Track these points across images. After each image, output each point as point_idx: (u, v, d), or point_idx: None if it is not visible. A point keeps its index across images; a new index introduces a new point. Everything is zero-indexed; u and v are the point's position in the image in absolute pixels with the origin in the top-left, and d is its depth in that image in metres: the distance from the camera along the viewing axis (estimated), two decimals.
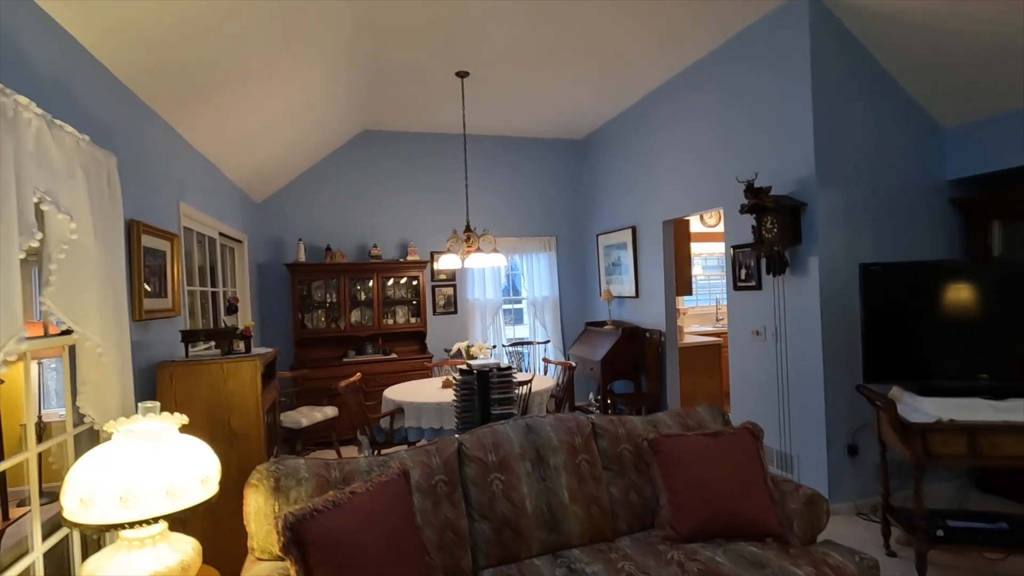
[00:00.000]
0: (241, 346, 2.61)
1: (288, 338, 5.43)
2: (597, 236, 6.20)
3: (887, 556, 2.82)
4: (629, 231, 5.48)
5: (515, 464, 2.16)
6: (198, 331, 2.61)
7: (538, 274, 6.41)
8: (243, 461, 2.41)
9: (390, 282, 5.75)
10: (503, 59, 4.26)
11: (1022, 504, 3.27)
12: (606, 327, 5.62)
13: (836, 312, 3.32)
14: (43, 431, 2.46)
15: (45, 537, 1.77)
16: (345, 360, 5.49)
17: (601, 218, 6.15)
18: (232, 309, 3.42)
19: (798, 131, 3.46)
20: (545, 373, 5.77)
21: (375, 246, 5.72)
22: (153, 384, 2.45)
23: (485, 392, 2.65)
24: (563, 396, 4.40)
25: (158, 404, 1.62)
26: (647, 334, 5.23)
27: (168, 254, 2.79)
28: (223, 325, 3.75)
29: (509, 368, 2.74)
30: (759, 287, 3.83)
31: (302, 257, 5.42)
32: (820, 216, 3.37)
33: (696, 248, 7.23)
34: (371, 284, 5.62)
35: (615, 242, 5.78)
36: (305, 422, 4.49)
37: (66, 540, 1.95)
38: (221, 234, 4.26)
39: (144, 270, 2.46)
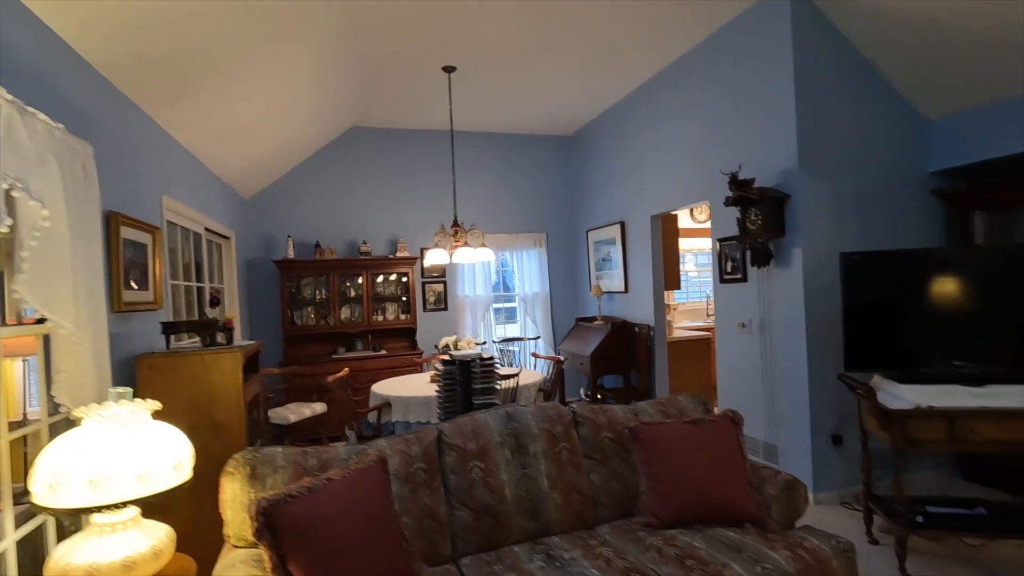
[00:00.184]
0: (223, 338, 2.60)
1: (277, 335, 5.42)
2: (587, 232, 6.21)
3: (869, 544, 2.83)
4: (618, 226, 5.49)
5: (495, 452, 2.16)
6: (179, 323, 2.60)
7: (529, 271, 6.41)
8: (225, 452, 2.39)
9: (380, 279, 5.75)
10: (491, 54, 4.26)
11: (1004, 492, 3.29)
12: (596, 322, 5.63)
13: (820, 303, 3.34)
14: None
15: (21, 526, 1.76)
16: (335, 357, 5.49)
17: (591, 214, 6.16)
18: (215, 302, 3.41)
19: (781, 123, 3.47)
20: (535, 368, 5.77)
21: (365, 243, 5.71)
22: (134, 376, 2.44)
23: (467, 382, 2.65)
24: (552, 390, 4.40)
25: (130, 390, 1.61)
26: (636, 328, 5.24)
27: (150, 247, 2.78)
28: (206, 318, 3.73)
29: (491, 359, 2.75)
30: (745, 280, 3.85)
31: (291, 254, 5.41)
32: (803, 207, 3.38)
33: (688, 244, 7.26)
34: (361, 281, 5.61)
35: (604, 237, 5.79)
36: (293, 418, 4.48)
37: (41, 529, 1.94)
38: (208, 230, 4.25)
39: (124, 262, 2.45)
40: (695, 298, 7.67)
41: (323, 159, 5.77)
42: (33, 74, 1.95)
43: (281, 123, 4.58)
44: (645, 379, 5.16)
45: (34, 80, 1.95)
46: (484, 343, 6.06)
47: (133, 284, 2.58)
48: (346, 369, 4.31)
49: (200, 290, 4.07)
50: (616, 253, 5.57)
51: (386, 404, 3.82)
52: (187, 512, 2.26)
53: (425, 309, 6.02)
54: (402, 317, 5.76)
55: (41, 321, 1.82)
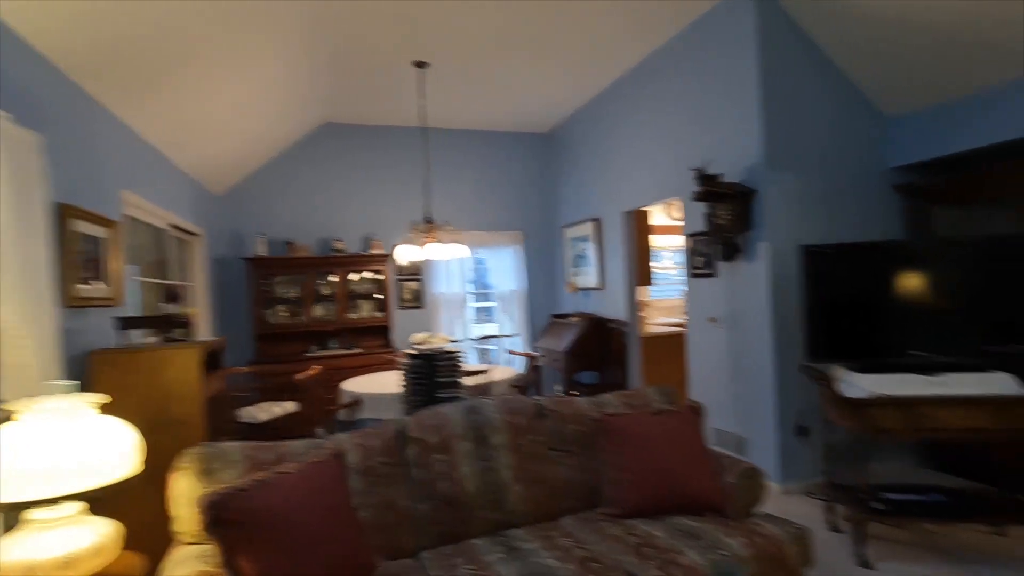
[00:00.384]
0: (182, 334, 2.55)
1: (249, 333, 5.34)
2: (563, 229, 6.22)
3: (831, 532, 2.88)
4: (593, 223, 5.51)
5: (457, 444, 2.15)
6: (134, 318, 2.54)
7: (505, 268, 6.41)
8: (183, 449, 2.36)
9: (354, 276, 5.69)
10: (463, 50, 4.25)
11: (964, 479, 3.37)
12: (571, 319, 5.64)
13: (785, 295, 3.39)
14: None
15: None
16: (308, 355, 5.43)
17: (567, 211, 6.18)
18: (175, 297, 3.35)
19: (747, 119, 3.52)
20: (514, 366, 5.76)
21: (338, 240, 5.66)
22: (86, 372, 2.38)
23: (432, 376, 2.64)
24: (525, 386, 4.40)
25: (76, 384, 1.57)
26: (611, 325, 5.27)
27: (106, 241, 2.72)
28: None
29: (455, 352, 2.74)
30: (714, 275, 3.89)
31: (262, 251, 5.34)
32: (769, 202, 3.43)
33: (665, 241, 7.31)
34: (334, 278, 5.56)
35: (580, 235, 5.81)
36: (264, 417, 4.41)
37: None
38: (174, 226, 4.17)
39: (77, 256, 2.39)
40: (672, 295, 7.72)
41: (295, 155, 5.70)
42: None
43: (249, 118, 4.51)
44: (620, 374, 5.19)
45: None
46: (459, 341, 6.04)
47: (88, 278, 2.52)
48: (317, 367, 4.27)
49: (168, 287, 3.99)
50: (591, 250, 5.59)
51: (356, 401, 3.79)
52: (143, 509, 2.21)
53: (401, 307, 5.98)
54: (377, 315, 5.72)
55: None
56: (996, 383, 2.46)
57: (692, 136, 4.04)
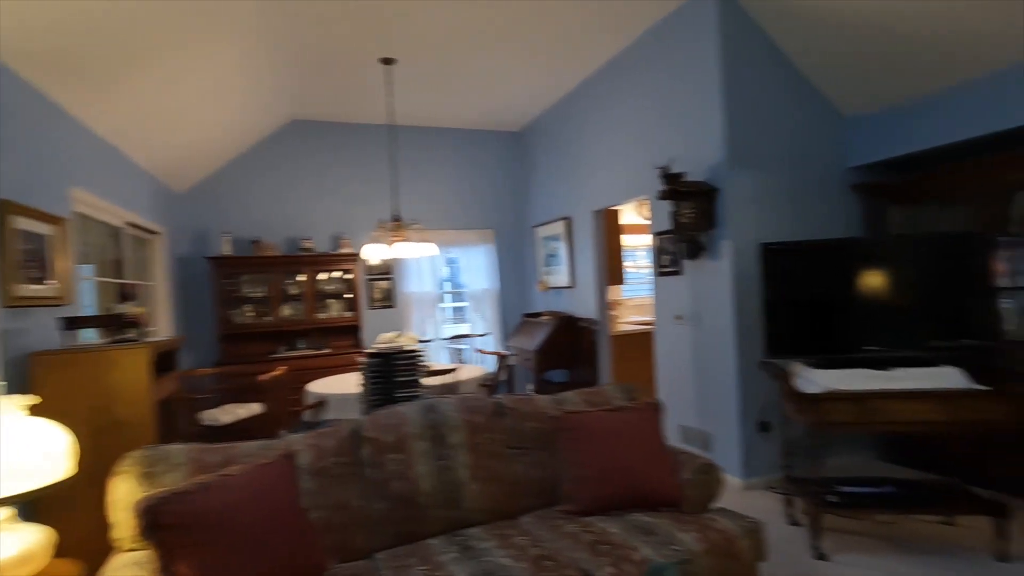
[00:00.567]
0: (132, 334, 2.48)
1: (214, 334, 5.23)
2: (534, 228, 6.23)
3: (790, 525, 2.93)
4: (564, 222, 5.52)
5: (412, 443, 2.13)
6: (80, 318, 2.46)
7: (477, 267, 6.38)
8: None
9: (323, 276, 5.61)
10: (431, 47, 4.21)
11: (919, 471, 3.45)
12: (543, 318, 5.65)
13: (747, 293, 3.43)
14: None
15: None
16: (275, 356, 5.33)
17: (538, 210, 6.18)
18: (127, 297, 3.25)
19: (711, 118, 3.55)
20: (486, 365, 5.74)
21: (307, 239, 5.57)
22: (27, 374, 2.29)
23: (391, 375, 2.61)
24: (495, 385, 4.38)
25: (2, 384, 1.50)
26: (581, 323, 5.29)
27: (53, 239, 2.62)
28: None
29: (415, 351, 2.71)
30: (680, 273, 3.92)
31: (227, 250, 5.22)
32: (732, 201, 3.47)
33: (637, 240, 7.36)
34: (303, 278, 5.47)
35: (551, 233, 5.82)
36: (227, 419, 4.32)
37: None
38: (132, 224, 4.05)
39: (18, 253, 2.30)
40: (644, 293, 7.79)
41: (261, 153, 5.60)
42: None
43: (210, 114, 4.41)
44: (590, 373, 5.21)
45: None
46: (430, 340, 5.99)
47: (33, 278, 2.43)
48: (281, 368, 4.19)
49: (122, 287, 3.88)
50: (562, 249, 5.60)
51: (322, 403, 3.73)
52: (88, 515, 2.14)
53: (371, 306, 5.91)
54: (346, 315, 5.64)
55: None
56: (945, 377, 2.53)
57: (658, 135, 4.07)
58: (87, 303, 3.36)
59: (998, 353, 3.05)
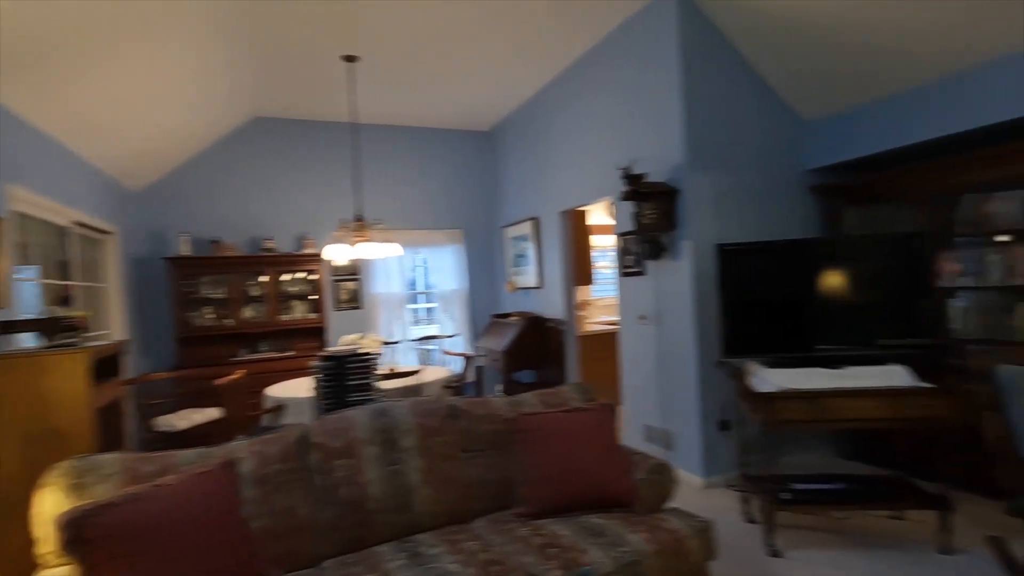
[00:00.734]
0: (71, 338, 2.37)
1: (171, 337, 5.08)
2: (503, 228, 6.20)
3: (747, 523, 2.96)
4: (531, 223, 5.51)
5: (362, 448, 2.08)
6: (15, 322, 2.34)
7: (446, 268, 6.33)
8: None
9: (286, 277, 5.49)
10: (396, 44, 4.15)
11: (874, 467, 3.54)
12: (511, 318, 5.63)
13: (707, 293, 3.46)
14: None
15: None
16: (236, 359, 5.20)
17: (507, 210, 6.16)
18: (66, 300, 3.12)
19: (671, 120, 3.58)
20: (455, 367, 5.70)
21: (269, 239, 5.45)
22: None
23: (343, 379, 2.56)
24: (460, 387, 4.34)
25: None
26: (549, 324, 5.29)
27: None
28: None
29: (368, 354, 2.66)
30: (643, 273, 3.95)
31: (185, 251, 5.07)
32: (692, 202, 3.50)
33: (606, 240, 7.39)
34: (265, 279, 5.34)
35: (519, 234, 5.80)
36: (183, 425, 4.19)
37: None
38: (80, 223, 3.90)
39: None
40: (614, 293, 7.83)
41: (222, 150, 5.45)
42: None
43: (166, 111, 4.27)
44: (558, 373, 5.21)
45: None
46: (398, 341, 5.93)
47: None
48: (240, 372, 4.08)
49: (62, 288, 3.73)
50: (530, 249, 5.59)
51: (280, 407, 3.64)
52: (17, 530, 2.04)
53: (337, 308, 5.81)
54: (311, 316, 5.54)
55: None
56: (892, 375, 2.59)
57: (622, 136, 4.09)
58: (29, 306, 3.22)
59: (945, 351, 3.14)
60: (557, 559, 1.80)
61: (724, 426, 3.51)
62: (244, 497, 1.85)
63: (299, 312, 5.53)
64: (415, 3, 3.57)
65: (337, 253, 4.13)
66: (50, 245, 3.60)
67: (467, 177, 6.48)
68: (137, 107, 3.94)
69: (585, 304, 6.72)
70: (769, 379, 2.66)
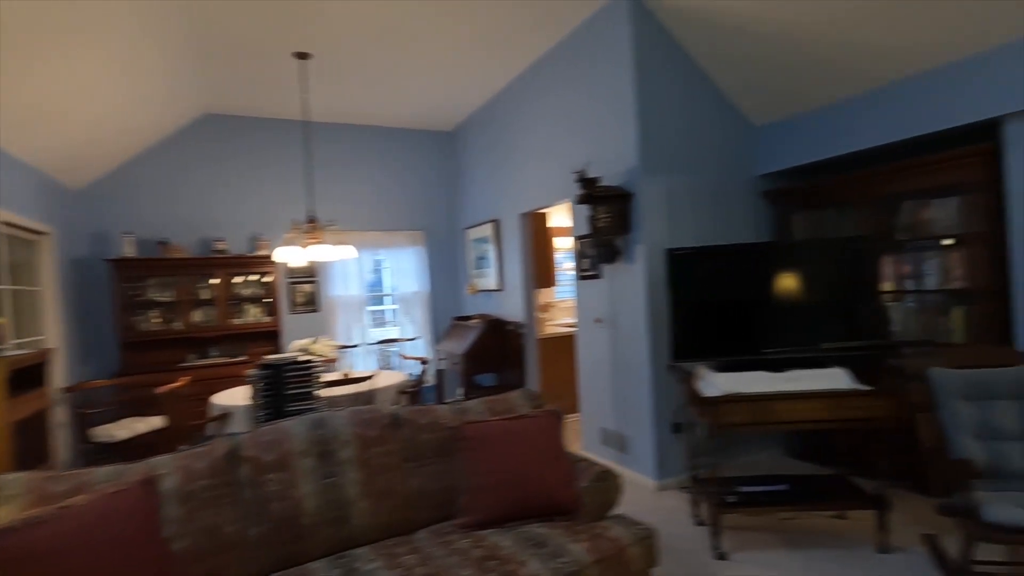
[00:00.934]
0: None
1: (115, 342, 4.86)
2: (465, 230, 6.15)
3: (696, 525, 2.98)
4: (492, 224, 5.47)
5: (296, 461, 2.01)
6: None
7: (406, 270, 6.24)
8: None
9: (238, 279, 5.32)
10: (350, 42, 4.05)
11: (825, 467, 3.62)
12: (472, 321, 5.58)
13: (660, 297, 3.48)
14: None
15: None
16: (185, 364, 5.01)
17: (469, 212, 6.11)
18: None
19: (625, 124, 3.59)
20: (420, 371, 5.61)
21: (220, 240, 5.26)
22: None
23: (282, 388, 2.47)
24: (417, 391, 4.27)
25: None
26: (509, 326, 5.25)
27: None
28: None
29: (309, 362, 2.58)
30: (599, 276, 3.95)
31: (129, 252, 4.86)
32: (646, 206, 3.52)
33: (570, 243, 7.40)
34: (216, 281, 5.16)
35: (480, 236, 5.76)
36: (123, 435, 4.02)
37: None
38: (8, 223, 3.68)
39: None
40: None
41: (170, 148, 5.25)
42: None
43: (107, 105, 4.08)
44: (518, 376, 5.18)
45: None
46: (356, 345, 5.81)
47: None
48: (184, 379, 3.93)
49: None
50: (491, 251, 5.55)
51: (225, 415, 3.51)
52: None
53: (293, 311, 5.66)
54: (265, 320, 5.38)
55: None
56: (833, 378, 2.64)
57: (580, 139, 4.08)
58: None
59: (885, 353, 3.22)
60: (496, 572, 1.77)
61: (676, 429, 3.54)
62: (166, 516, 1.76)
63: (252, 315, 5.36)
64: (368, 1, 3.48)
65: (288, 255, 4.01)
66: None
67: (430, 178, 6.40)
68: (75, 102, 3.74)
69: (548, 306, 6.72)
70: (715, 383, 2.69)
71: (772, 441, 3.99)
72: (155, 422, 4.19)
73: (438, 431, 2.30)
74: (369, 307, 6.17)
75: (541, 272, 5.38)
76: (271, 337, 5.42)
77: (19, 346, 3.52)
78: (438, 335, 6.28)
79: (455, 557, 1.88)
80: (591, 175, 3.63)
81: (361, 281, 5.99)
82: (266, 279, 5.40)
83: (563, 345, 5.42)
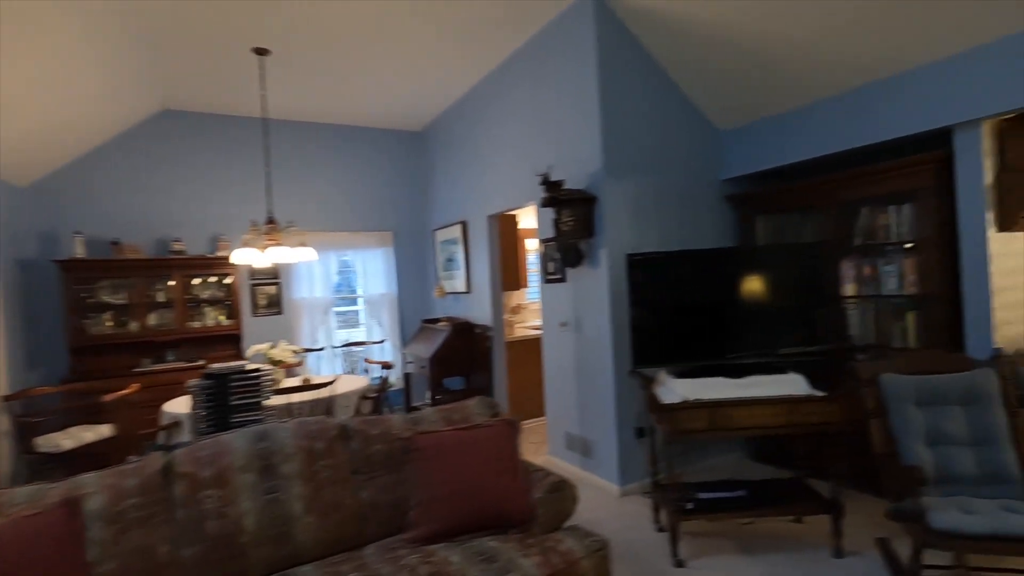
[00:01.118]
0: None
1: (64, 346, 4.66)
2: (434, 231, 6.07)
3: (657, 532, 2.97)
4: (460, 226, 5.41)
5: (235, 477, 1.92)
6: None
7: (374, 271, 6.13)
8: None
9: (197, 281, 5.15)
10: (311, 38, 3.93)
11: (785, 469, 3.64)
12: (440, 324, 5.50)
13: (623, 301, 3.46)
14: None
15: None
16: (139, 369, 4.83)
17: (438, 213, 6.03)
18: None
19: (589, 127, 3.56)
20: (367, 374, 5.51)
21: (178, 240, 5.09)
22: None
23: (226, 398, 2.37)
24: (380, 397, 4.19)
25: None
26: (477, 330, 5.20)
27: None
28: None
29: (256, 371, 2.48)
30: (564, 280, 3.92)
31: (80, 252, 4.66)
32: (609, 210, 3.49)
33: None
34: (173, 283, 4.99)
35: (449, 237, 5.69)
36: (69, 445, 3.84)
37: None
38: None
39: None
40: None
41: (125, 144, 5.05)
42: None
43: (54, 99, 3.89)
44: (486, 379, 5.13)
45: None
46: (321, 348, 5.68)
47: None
48: (135, 385, 3.78)
49: None
50: (459, 253, 5.49)
51: (176, 423, 3.38)
52: None
53: (255, 313, 5.51)
54: (225, 322, 5.22)
55: None
56: (790, 384, 2.65)
57: (546, 141, 4.04)
58: None
59: (843, 358, 3.26)
60: None
61: (640, 433, 3.53)
62: (91, 538, 1.67)
63: (212, 318, 5.19)
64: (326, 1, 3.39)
65: (246, 258, 3.89)
66: None
67: (399, 178, 6.30)
68: (20, 95, 3.56)
69: (520, 308, 6.68)
70: (675, 389, 2.67)
71: (734, 444, 4.01)
72: (104, 431, 4.02)
73: (390, 442, 2.23)
74: (338, 308, 6.04)
75: (510, 274, 5.34)
76: (232, 340, 5.27)
77: None
78: (406, 338, 6.19)
79: (402, 574, 1.82)
80: (555, 178, 3.60)
81: (327, 283, 5.86)
82: (227, 281, 5.24)
83: (533, 348, 5.38)
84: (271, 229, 3.97)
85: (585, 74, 3.55)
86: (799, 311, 3.04)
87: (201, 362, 5.03)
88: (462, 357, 5.21)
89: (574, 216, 3.54)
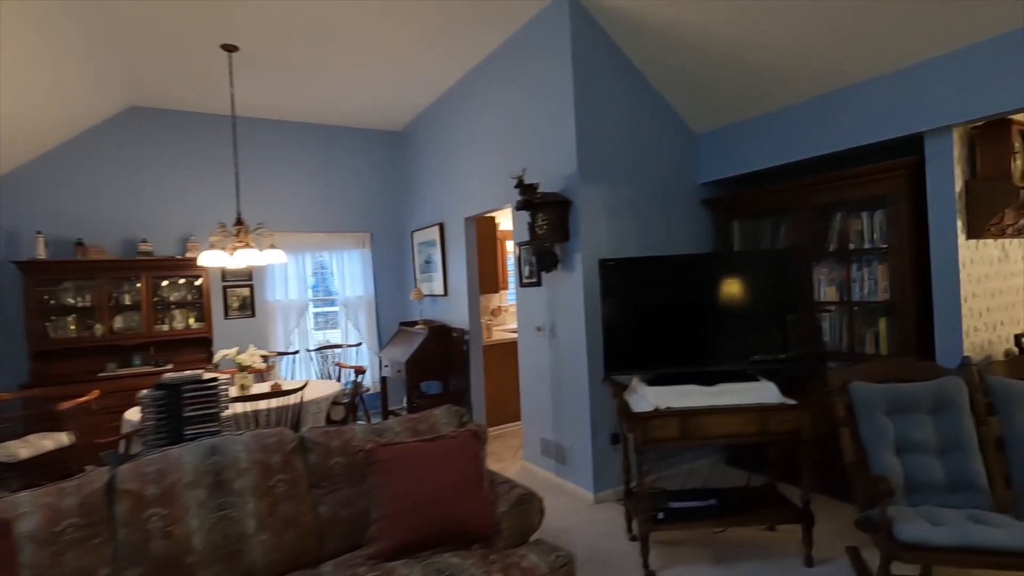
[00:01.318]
0: None
1: (23, 351, 4.49)
2: (412, 233, 5.98)
3: (630, 540, 2.93)
4: (438, 228, 5.33)
5: (183, 494, 1.83)
6: None
7: (351, 273, 6.03)
8: None
9: (165, 282, 5.01)
10: (281, 34, 3.83)
11: (759, 474, 3.63)
12: (417, 327, 5.43)
13: (597, 306, 3.41)
14: None
15: None
16: (104, 375, 4.68)
17: (417, 214, 5.94)
18: None
19: (565, 129, 3.51)
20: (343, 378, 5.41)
21: (145, 241, 4.94)
22: None
23: (180, 410, 2.28)
24: (353, 403, 4.10)
25: None
26: (454, 333, 5.13)
27: None
28: None
29: (213, 380, 2.40)
30: (539, 284, 3.87)
31: (41, 253, 4.50)
32: (584, 213, 3.45)
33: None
34: (140, 284, 4.84)
35: (427, 239, 5.61)
36: (26, 453, 3.71)
37: None
38: None
39: None
40: None
41: (90, 142, 4.89)
42: None
43: (15, 93, 3.73)
44: (462, 383, 5.06)
45: None
46: (296, 352, 5.57)
47: None
48: (95, 392, 3.65)
49: None
50: (437, 256, 5.41)
51: (135, 432, 3.26)
52: None
53: (227, 316, 5.38)
54: (195, 325, 5.08)
55: None
56: (761, 392, 2.63)
57: (523, 143, 3.98)
58: None
59: (814, 365, 3.26)
60: None
61: (615, 440, 3.49)
62: (23, 562, 1.57)
63: (181, 321, 5.06)
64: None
65: (213, 259, 3.78)
66: None
67: (377, 178, 6.21)
68: None
69: (500, 311, 6.61)
70: (646, 397, 2.64)
71: (709, 449, 4.00)
72: (63, 439, 3.89)
73: (351, 454, 2.16)
74: (317, 309, 5.93)
75: (489, 277, 5.28)
76: (202, 344, 5.14)
77: None
78: (384, 340, 6.09)
79: None
80: (530, 180, 3.54)
81: (301, 284, 5.75)
82: (197, 283, 5.11)
83: (511, 351, 5.30)
84: (240, 230, 3.86)
85: (561, 75, 3.50)
86: (772, 317, 3.01)
87: (169, 366, 4.90)
88: (439, 361, 5.15)
89: (549, 220, 3.49)
